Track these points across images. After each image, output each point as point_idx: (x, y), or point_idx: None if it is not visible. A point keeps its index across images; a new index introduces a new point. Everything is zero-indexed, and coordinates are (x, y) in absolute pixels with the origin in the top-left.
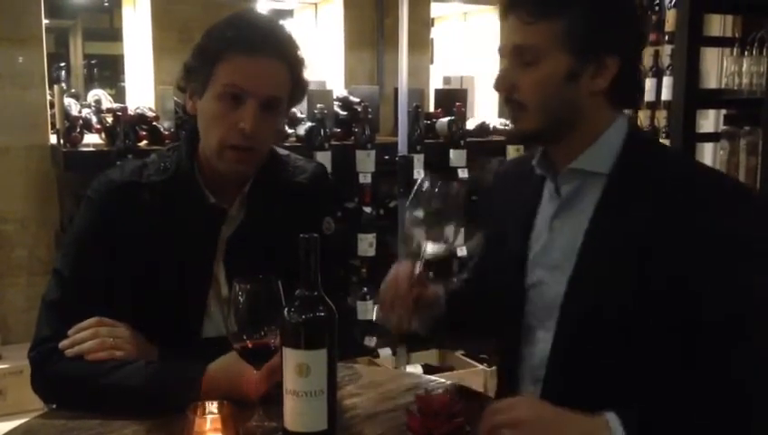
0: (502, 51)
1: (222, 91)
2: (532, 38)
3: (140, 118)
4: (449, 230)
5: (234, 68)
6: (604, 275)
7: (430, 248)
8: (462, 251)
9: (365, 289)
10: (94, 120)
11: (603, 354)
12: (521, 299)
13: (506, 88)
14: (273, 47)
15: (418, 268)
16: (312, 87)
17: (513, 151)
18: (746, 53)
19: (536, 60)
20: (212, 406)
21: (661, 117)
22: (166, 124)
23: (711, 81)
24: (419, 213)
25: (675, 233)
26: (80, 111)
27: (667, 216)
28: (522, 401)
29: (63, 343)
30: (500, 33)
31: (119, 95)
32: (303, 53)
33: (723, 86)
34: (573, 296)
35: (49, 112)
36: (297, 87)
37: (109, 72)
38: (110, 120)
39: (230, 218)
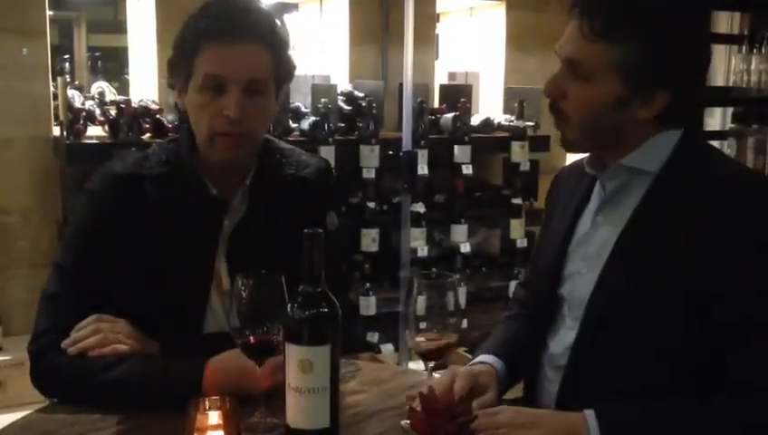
0: (558, 53)
1: (202, 83)
2: (588, 56)
3: (144, 110)
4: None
5: (210, 58)
6: (634, 272)
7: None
8: (466, 247)
9: (368, 285)
10: (98, 112)
11: (625, 352)
12: (555, 287)
13: (554, 95)
14: (248, 30)
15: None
16: (316, 81)
17: (517, 148)
18: (755, 50)
19: (588, 78)
20: (214, 402)
21: None
22: (169, 117)
23: (718, 78)
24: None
25: (722, 236)
26: (83, 104)
27: (714, 219)
28: (501, 409)
29: (65, 342)
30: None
31: (122, 88)
32: (284, 31)
33: (730, 84)
34: (601, 291)
35: (52, 104)
36: (282, 66)
37: (112, 64)
38: (113, 112)
39: (232, 211)
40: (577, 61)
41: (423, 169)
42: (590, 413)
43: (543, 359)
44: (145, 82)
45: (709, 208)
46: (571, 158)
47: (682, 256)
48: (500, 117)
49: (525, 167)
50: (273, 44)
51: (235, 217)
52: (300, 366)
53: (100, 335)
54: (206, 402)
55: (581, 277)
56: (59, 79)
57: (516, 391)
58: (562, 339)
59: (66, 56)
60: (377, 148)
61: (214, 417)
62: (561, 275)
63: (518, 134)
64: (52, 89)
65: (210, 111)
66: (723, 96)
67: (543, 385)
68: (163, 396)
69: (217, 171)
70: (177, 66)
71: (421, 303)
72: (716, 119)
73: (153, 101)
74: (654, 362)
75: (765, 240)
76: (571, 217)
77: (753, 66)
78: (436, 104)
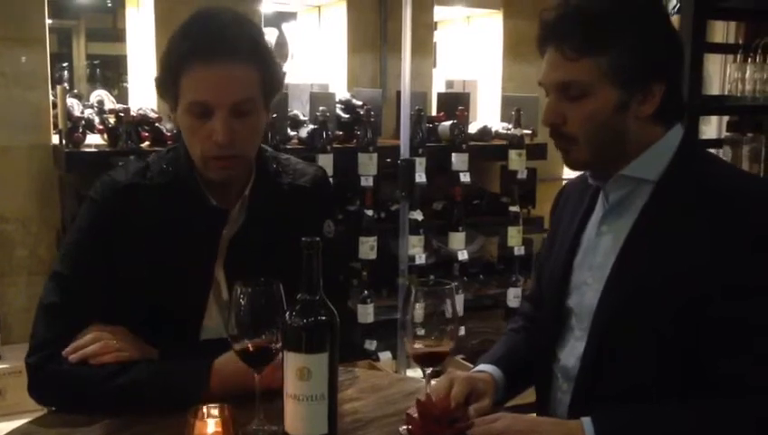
0: (544, 85)
1: (189, 109)
2: (578, 74)
3: (143, 119)
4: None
5: (194, 82)
6: (638, 281)
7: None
8: (463, 255)
9: (366, 292)
10: (97, 120)
11: (635, 359)
12: (563, 299)
13: (556, 121)
14: (231, 49)
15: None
16: (314, 89)
17: (515, 156)
18: (750, 59)
19: (584, 94)
20: (212, 409)
21: None
22: (168, 125)
23: (714, 87)
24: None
25: (719, 236)
26: (82, 112)
27: (712, 219)
28: (500, 416)
29: (66, 350)
30: (542, 66)
31: (121, 96)
32: (266, 41)
33: (726, 93)
34: (607, 301)
35: (51, 113)
36: (269, 80)
37: (112, 72)
38: (112, 120)
39: (231, 220)
40: (568, 82)
41: (421, 177)
42: (586, 420)
43: (556, 371)
44: (144, 91)
45: (706, 210)
46: None
47: (683, 260)
48: (497, 125)
49: (523, 174)
50: (259, 60)
51: (234, 226)
52: (298, 374)
53: (101, 343)
54: (205, 410)
55: (588, 288)
56: (58, 87)
57: (528, 396)
58: (572, 350)
59: (65, 64)
60: (375, 156)
61: (212, 424)
62: (569, 287)
63: (515, 142)
64: (51, 97)
65: (200, 136)
66: (718, 105)
67: (557, 396)
68: (170, 396)
69: (216, 184)
70: (164, 86)
71: (419, 310)
72: (712, 127)
73: (152, 110)
74: (663, 369)
75: (760, 238)
76: (576, 229)
77: (747, 75)
78: (434, 112)
